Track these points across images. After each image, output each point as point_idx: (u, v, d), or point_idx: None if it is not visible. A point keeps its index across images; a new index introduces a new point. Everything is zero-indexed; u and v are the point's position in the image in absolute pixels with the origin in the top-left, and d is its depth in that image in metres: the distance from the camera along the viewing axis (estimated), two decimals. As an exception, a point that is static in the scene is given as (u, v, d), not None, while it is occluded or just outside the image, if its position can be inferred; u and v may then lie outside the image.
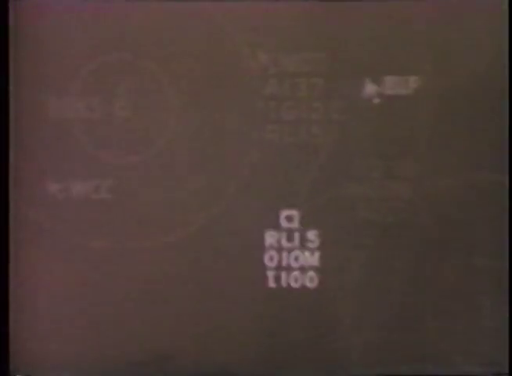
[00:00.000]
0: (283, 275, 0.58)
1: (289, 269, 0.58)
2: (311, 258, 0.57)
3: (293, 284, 0.58)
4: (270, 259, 0.57)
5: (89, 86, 0.57)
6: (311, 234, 0.57)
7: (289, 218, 0.57)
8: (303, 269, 0.58)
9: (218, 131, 0.57)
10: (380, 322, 0.57)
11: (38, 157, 0.57)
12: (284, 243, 0.58)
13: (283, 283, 0.57)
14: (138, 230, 0.57)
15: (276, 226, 0.57)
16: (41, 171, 0.57)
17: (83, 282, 0.57)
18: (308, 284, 0.57)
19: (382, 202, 0.57)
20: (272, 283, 0.57)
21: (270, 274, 0.57)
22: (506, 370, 0.54)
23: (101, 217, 0.57)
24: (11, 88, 0.56)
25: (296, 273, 0.58)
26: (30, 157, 0.57)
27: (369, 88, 0.57)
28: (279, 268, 0.57)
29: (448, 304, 0.57)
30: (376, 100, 0.57)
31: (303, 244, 0.57)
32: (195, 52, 0.57)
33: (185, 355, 0.57)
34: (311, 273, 0.57)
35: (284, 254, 0.58)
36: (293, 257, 0.58)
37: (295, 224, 0.57)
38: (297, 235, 0.57)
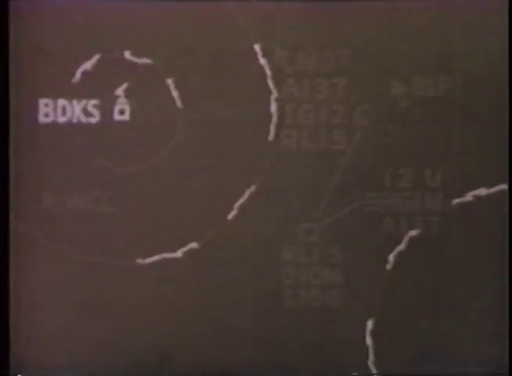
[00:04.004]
0: (302, 293, 0.55)
1: (308, 286, 0.55)
2: (332, 275, 0.55)
3: (313, 303, 0.55)
4: (287, 276, 0.55)
5: (86, 87, 0.54)
6: (333, 249, 0.54)
7: (307, 232, 0.54)
8: (323, 287, 0.55)
9: (228, 136, 0.54)
10: (409, 350, 0.55)
11: (30, 167, 0.54)
12: (302, 258, 0.55)
13: (302, 302, 0.55)
14: (142, 246, 0.55)
15: (294, 240, 0.54)
16: (34, 182, 0.54)
17: (83, 284, 0.55)
18: (329, 303, 0.55)
19: (410, 215, 0.54)
20: (289, 303, 0.55)
21: (287, 292, 0.55)
22: (507, 370, 0.54)
23: (101, 231, 0.55)
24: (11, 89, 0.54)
25: (315, 291, 0.55)
26: (21, 166, 0.54)
27: (396, 90, 0.54)
28: (296, 285, 0.55)
29: (455, 308, 0.55)
30: (404, 103, 0.54)
31: (323, 260, 0.55)
32: (203, 50, 0.54)
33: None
34: (332, 291, 0.55)
35: (302, 271, 0.55)
36: (313, 273, 0.55)
37: (314, 238, 0.54)
38: (316, 250, 0.54)
